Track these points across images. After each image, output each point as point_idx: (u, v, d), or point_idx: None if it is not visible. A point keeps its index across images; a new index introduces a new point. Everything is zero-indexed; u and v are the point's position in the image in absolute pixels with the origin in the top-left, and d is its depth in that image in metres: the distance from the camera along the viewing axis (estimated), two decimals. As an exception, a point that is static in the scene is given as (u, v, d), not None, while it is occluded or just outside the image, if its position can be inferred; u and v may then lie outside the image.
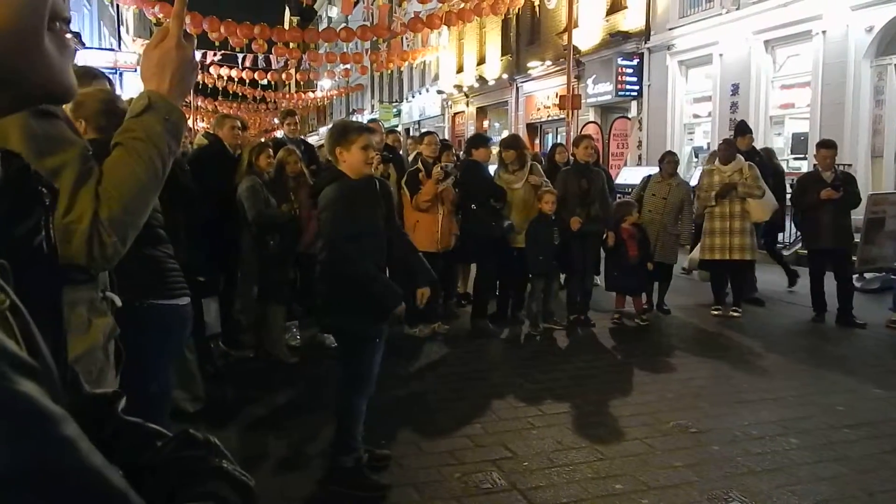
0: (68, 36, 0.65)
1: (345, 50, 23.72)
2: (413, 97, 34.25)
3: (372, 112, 39.00)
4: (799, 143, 13.58)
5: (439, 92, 30.12)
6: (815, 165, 7.63)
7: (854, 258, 7.73)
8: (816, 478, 3.72)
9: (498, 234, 6.47)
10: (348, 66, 24.02)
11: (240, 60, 22.02)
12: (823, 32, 12.60)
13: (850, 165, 10.41)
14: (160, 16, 14.19)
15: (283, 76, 25.80)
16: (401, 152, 7.74)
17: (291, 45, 19.90)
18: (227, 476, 0.74)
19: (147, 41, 1.51)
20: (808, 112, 13.19)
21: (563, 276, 7.51)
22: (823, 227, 7.06)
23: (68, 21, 0.66)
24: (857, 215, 7.65)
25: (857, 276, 8.08)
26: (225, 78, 24.30)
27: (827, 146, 7.33)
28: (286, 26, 36.13)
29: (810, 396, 5.02)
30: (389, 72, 30.34)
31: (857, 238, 7.91)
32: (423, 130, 10.65)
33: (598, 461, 3.88)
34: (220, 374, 5.23)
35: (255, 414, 4.68)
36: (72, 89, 0.66)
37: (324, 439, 3.90)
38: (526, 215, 6.69)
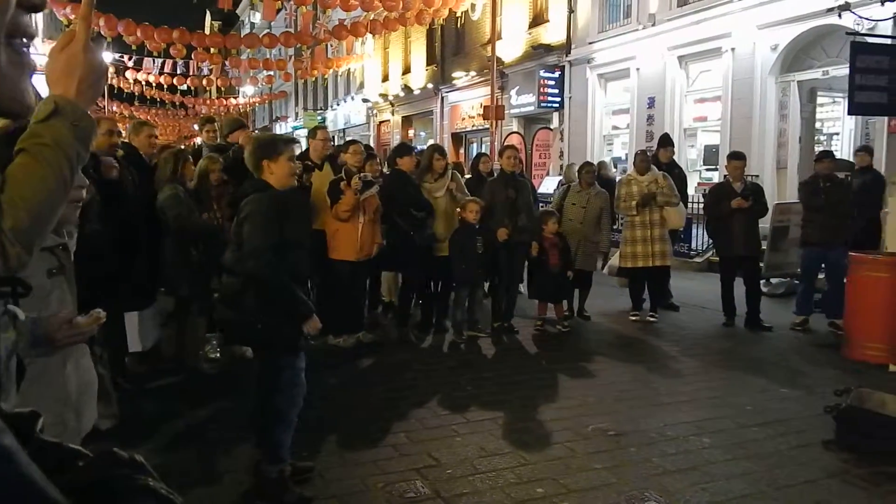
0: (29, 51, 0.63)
1: (268, 56, 23.33)
2: (338, 105, 34.04)
3: (296, 119, 38.54)
4: (711, 155, 14.19)
5: (364, 100, 30.05)
6: (725, 176, 7.98)
7: (761, 264, 8.14)
8: (728, 475, 3.88)
9: (419, 243, 6.48)
10: (271, 72, 23.65)
11: (158, 65, 21.34)
12: (732, 49, 13.22)
13: (757, 176, 10.94)
14: (72, 17, 13.63)
15: (204, 82, 25.18)
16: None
17: (212, 50, 19.46)
18: (155, 495, 0.73)
19: (56, 43, 1.45)
20: (719, 125, 13.80)
21: (486, 284, 7.59)
22: (735, 235, 7.39)
23: (32, 37, 0.63)
24: (764, 224, 8.05)
25: (764, 281, 8.48)
26: (142, 82, 23.53)
27: (737, 158, 7.69)
28: (207, 31, 35.34)
29: (723, 397, 5.23)
30: (314, 79, 30.07)
31: (764, 245, 8.32)
32: (348, 139, 10.55)
33: (521, 466, 3.93)
34: (136, 389, 5.05)
35: (173, 429, 4.54)
36: (28, 106, 0.64)
37: (245, 451, 3.82)
38: (448, 224, 6.75)
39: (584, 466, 3.95)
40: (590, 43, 17.04)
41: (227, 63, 21.81)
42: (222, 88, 29.13)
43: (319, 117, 34.27)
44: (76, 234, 2.40)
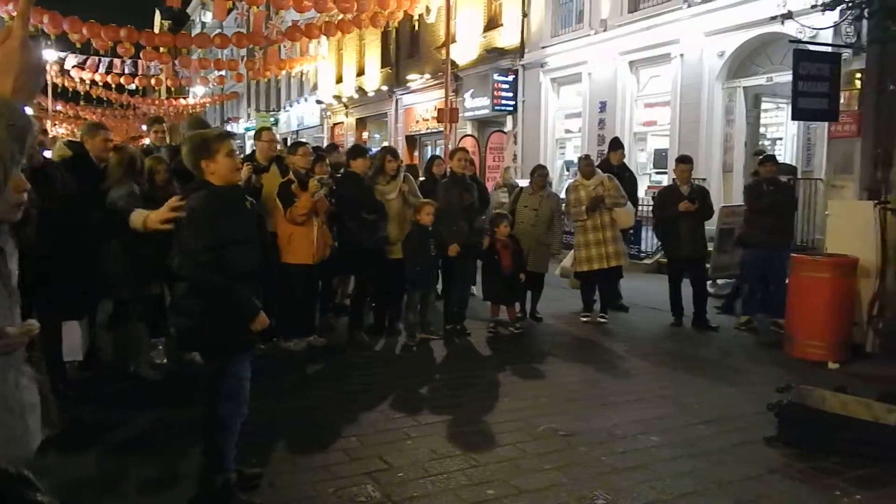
0: None
1: (219, 56, 22.94)
2: (291, 106, 33.73)
3: (248, 120, 38.05)
4: (660, 159, 14.47)
5: (318, 102, 29.83)
6: (673, 179, 8.15)
7: (708, 266, 8.32)
8: (675, 472, 3.95)
9: (368, 245, 6.45)
10: (223, 72, 23.30)
11: (104, 64, 20.78)
12: (681, 55, 13.51)
13: (704, 179, 11.18)
14: (14, 14, 13.20)
15: (153, 81, 24.67)
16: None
17: (162, 49, 19.06)
18: None
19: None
20: (668, 129, 14.08)
21: (439, 287, 7.60)
22: (682, 237, 7.54)
23: None
24: (710, 226, 8.23)
25: (710, 282, 8.67)
26: (87, 81, 22.91)
27: (684, 161, 7.85)
28: (157, 30, 34.64)
29: (670, 396, 5.33)
30: (266, 80, 29.73)
31: (711, 247, 8.51)
32: (296, 140, 10.44)
33: (472, 468, 3.94)
34: (78, 396, 4.91)
35: (117, 436, 4.42)
36: None
37: (191, 460, 3.74)
38: (400, 226, 6.74)
39: (535, 467, 3.98)
40: (543, 47, 17.21)
41: (176, 63, 21.41)
42: (172, 88, 28.62)
43: (272, 118, 33.91)
44: (12, 238, 2.30)
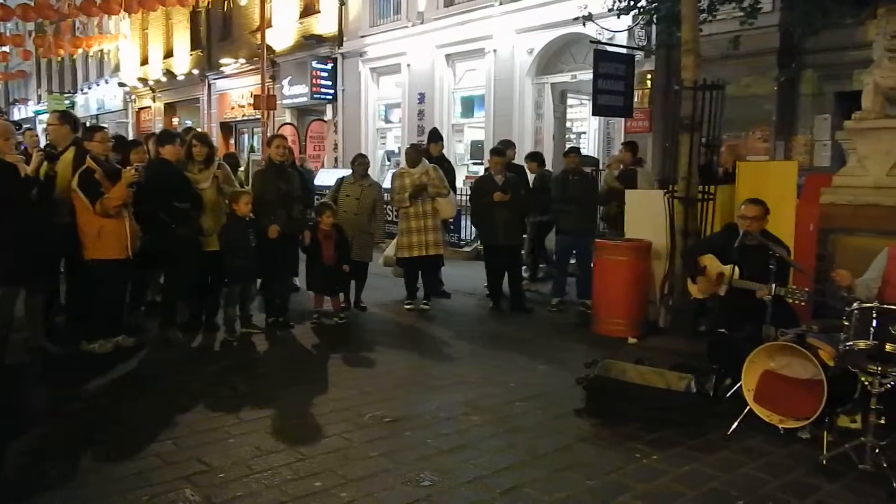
0: None
1: (2, 30, 20.55)
2: (90, 88, 31.04)
3: (38, 103, 34.54)
4: (476, 150, 15.01)
5: (121, 84, 27.70)
6: (487, 169, 8.47)
7: (523, 252, 8.76)
8: (495, 449, 4.13)
9: (180, 235, 6.09)
10: (6, 48, 20.90)
11: None
12: (494, 51, 14.07)
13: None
14: None
15: (-82, 55, 21.62)
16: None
17: (-72, 18, 16.72)
18: None
19: None
20: (483, 122, 14.63)
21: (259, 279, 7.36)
22: (497, 226, 7.86)
23: None
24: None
25: (525, 268, 9.14)
26: None
27: (497, 153, 8.18)
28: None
29: (491, 377, 5.56)
30: (59, 59, 27.09)
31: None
32: (92, 125, 9.52)
33: (298, 462, 3.87)
34: None
35: None
36: None
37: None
38: (215, 217, 6.43)
39: (362, 455, 3.98)
40: (361, 36, 17.18)
41: (-53, 35, 18.90)
42: (-57, 64, 25.25)
43: (67, 101, 31.02)
44: None
